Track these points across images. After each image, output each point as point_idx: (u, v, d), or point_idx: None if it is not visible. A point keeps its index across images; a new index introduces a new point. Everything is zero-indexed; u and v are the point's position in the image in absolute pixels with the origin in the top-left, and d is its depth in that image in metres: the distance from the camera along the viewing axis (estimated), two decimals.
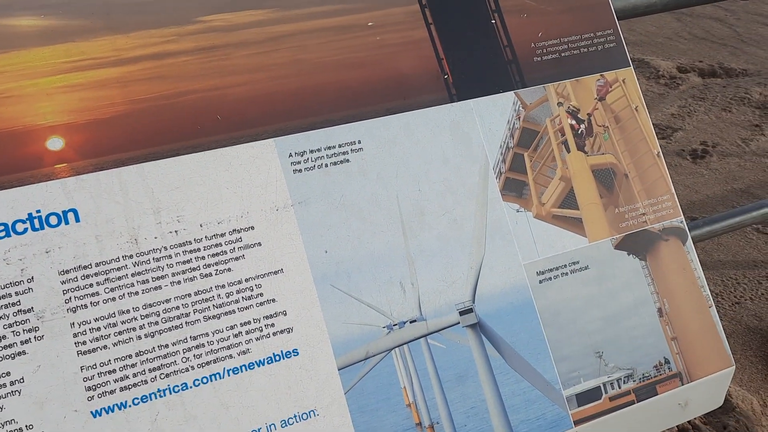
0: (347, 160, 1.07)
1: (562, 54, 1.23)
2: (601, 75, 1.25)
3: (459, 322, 1.06)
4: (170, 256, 0.95)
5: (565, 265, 1.14)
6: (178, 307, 0.94)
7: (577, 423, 1.08)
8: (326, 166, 1.06)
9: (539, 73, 1.21)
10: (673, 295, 1.19)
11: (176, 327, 0.93)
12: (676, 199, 1.24)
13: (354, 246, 1.04)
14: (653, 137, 1.25)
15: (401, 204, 1.08)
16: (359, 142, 1.08)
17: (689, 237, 1.23)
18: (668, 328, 1.18)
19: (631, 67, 1.26)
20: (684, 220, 1.24)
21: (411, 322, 1.05)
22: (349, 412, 0.98)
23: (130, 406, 0.89)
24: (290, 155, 1.04)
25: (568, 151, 1.20)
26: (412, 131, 1.12)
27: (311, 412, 0.97)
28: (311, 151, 1.06)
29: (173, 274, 0.94)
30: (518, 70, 1.19)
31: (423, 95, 1.14)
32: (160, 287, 0.93)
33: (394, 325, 1.04)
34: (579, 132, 1.21)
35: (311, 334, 0.99)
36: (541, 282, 1.12)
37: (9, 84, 0.93)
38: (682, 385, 1.17)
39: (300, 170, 1.04)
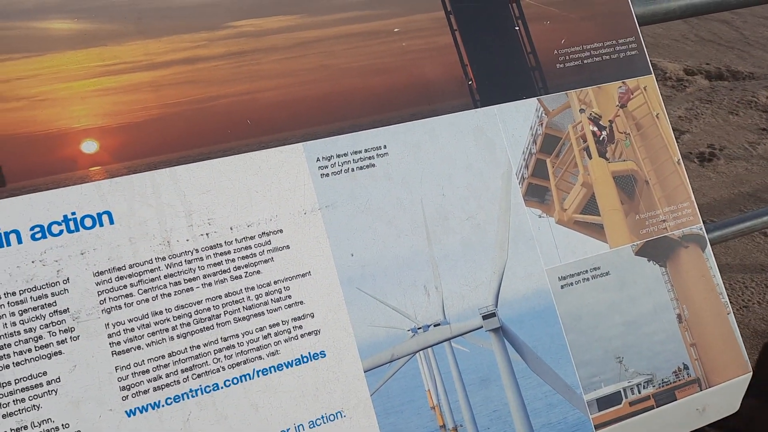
0: (373, 165, 1.09)
1: (585, 61, 1.24)
2: (622, 82, 1.26)
3: (482, 326, 1.08)
4: (201, 259, 0.96)
5: (587, 271, 1.15)
6: (209, 309, 0.95)
7: (597, 427, 1.10)
8: (353, 170, 1.07)
9: (562, 79, 1.22)
10: (692, 301, 1.21)
11: (207, 328, 0.94)
12: (696, 206, 1.25)
13: (379, 249, 1.06)
14: (674, 144, 1.26)
15: (425, 208, 1.10)
16: (385, 147, 1.10)
17: (708, 244, 1.25)
18: (687, 334, 1.19)
19: (653, 74, 1.27)
20: (703, 227, 1.25)
21: (435, 326, 1.06)
22: (374, 414, 1.00)
23: (163, 406, 0.90)
24: (318, 159, 1.05)
25: (590, 157, 1.21)
26: (437, 136, 1.13)
27: (338, 414, 0.98)
28: (338, 156, 1.07)
29: (204, 276, 0.96)
30: (541, 76, 1.21)
31: (447, 101, 1.15)
32: (191, 289, 0.95)
33: (419, 328, 1.06)
34: (601, 139, 1.22)
35: (338, 337, 1.01)
36: (562, 287, 1.13)
37: (43, 87, 0.94)
38: (701, 390, 1.18)
39: (327, 174, 1.06)
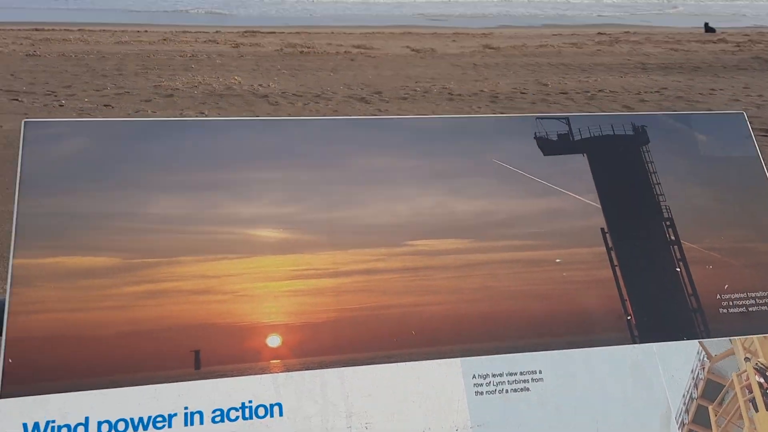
0: (527, 389, 1.10)
1: (749, 309, 1.23)
2: None
3: None
4: None
5: None
6: None
7: None
8: (507, 392, 1.09)
9: (725, 324, 1.21)
10: None
11: None
12: None
13: None
14: None
15: None
16: (540, 372, 1.12)
17: None
18: None
19: None
20: None
21: None
22: None
23: None
24: (474, 377, 1.09)
25: (756, 410, 1.15)
26: (593, 368, 1.13)
27: None
28: (494, 375, 1.10)
29: None
30: (703, 319, 1.20)
31: (605, 333, 1.17)
32: None
33: None
34: None
35: None
36: None
37: (246, 284, 1.08)
38: None
39: (481, 393, 1.08)
